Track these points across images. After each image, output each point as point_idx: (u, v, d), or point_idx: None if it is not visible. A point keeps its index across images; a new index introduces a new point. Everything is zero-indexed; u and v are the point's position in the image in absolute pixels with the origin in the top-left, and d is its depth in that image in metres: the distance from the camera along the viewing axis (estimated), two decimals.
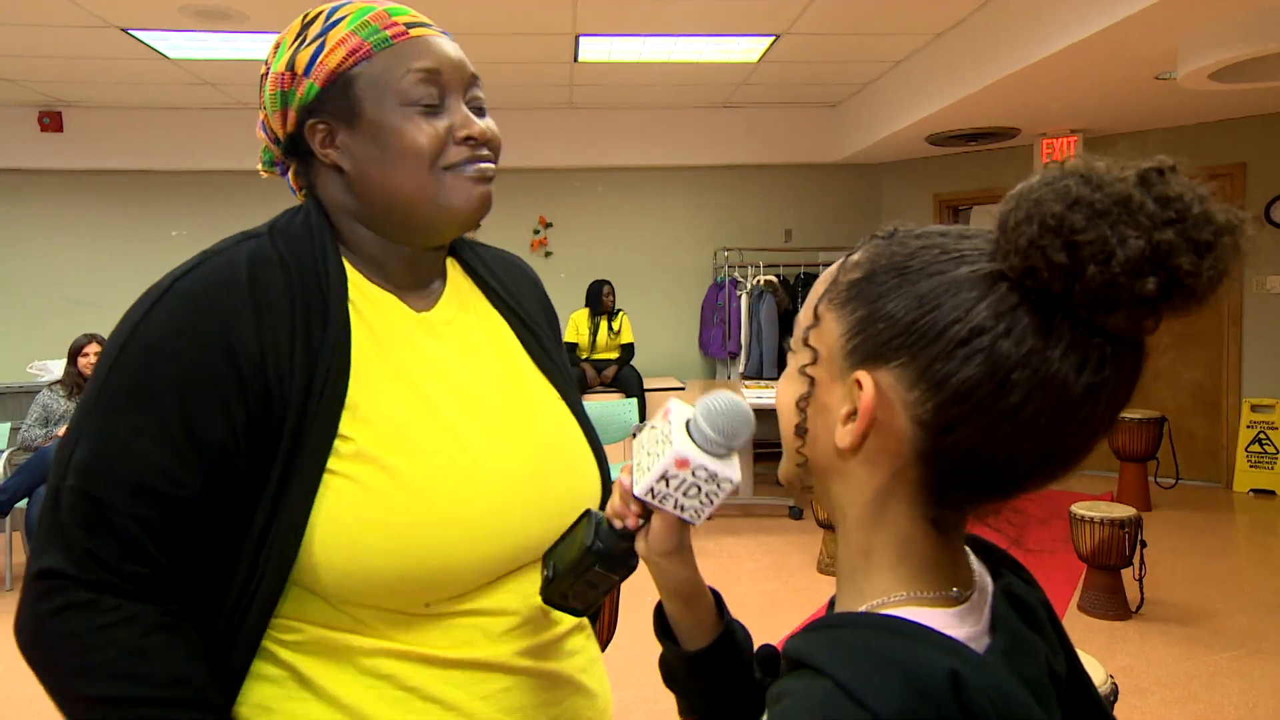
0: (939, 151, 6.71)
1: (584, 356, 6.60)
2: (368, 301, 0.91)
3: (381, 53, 0.87)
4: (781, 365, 6.74)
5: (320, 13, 0.89)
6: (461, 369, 0.94)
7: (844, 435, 0.59)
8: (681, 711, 0.87)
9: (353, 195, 0.91)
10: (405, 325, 0.92)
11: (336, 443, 0.82)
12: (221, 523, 0.81)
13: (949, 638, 0.55)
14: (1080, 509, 3.72)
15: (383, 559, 0.81)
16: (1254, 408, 6.03)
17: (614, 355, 6.55)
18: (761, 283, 6.91)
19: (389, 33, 0.87)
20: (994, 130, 5.94)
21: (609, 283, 6.69)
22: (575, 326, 6.64)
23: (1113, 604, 3.79)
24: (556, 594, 0.80)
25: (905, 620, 0.57)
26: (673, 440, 0.73)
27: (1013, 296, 0.53)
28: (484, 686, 0.87)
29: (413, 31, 0.88)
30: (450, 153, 0.88)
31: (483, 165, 0.90)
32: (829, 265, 0.69)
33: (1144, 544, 3.74)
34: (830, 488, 0.64)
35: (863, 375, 0.57)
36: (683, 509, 0.74)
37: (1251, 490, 6.01)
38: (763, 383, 6.35)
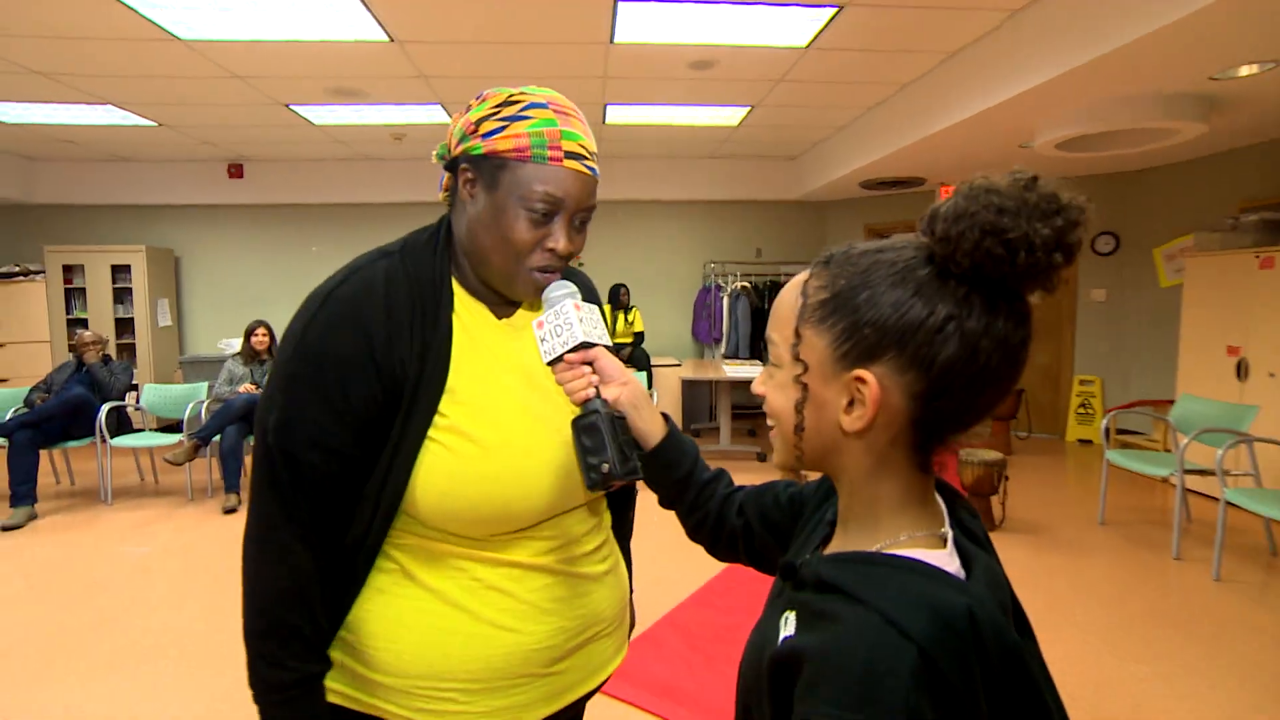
0: (869, 193, 6.62)
1: None
2: (466, 309, 0.88)
3: (535, 164, 0.80)
4: (753, 350, 6.74)
5: (521, 101, 0.82)
6: (533, 360, 0.87)
7: (852, 422, 0.55)
8: (660, 502, 0.86)
9: (465, 230, 0.86)
10: (492, 329, 0.89)
11: (436, 418, 0.81)
12: (363, 469, 0.81)
13: (957, 578, 0.53)
14: (964, 453, 3.75)
15: (463, 504, 0.81)
16: (1081, 382, 6.02)
17: (629, 340, 6.48)
18: (738, 287, 6.82)
19: (550, 154, 0.80)
20: (907, 179, 5.86)
21: (625, 285, 6.63)
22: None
23: (984, 520, 3.80)
24: (596, 476, 0.75)
25: (923, 563, 0.53)
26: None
27: (963, 288, 0.51)
28: (533, 582, 0.87)
29: (566, 163, 0.81)
30: (535, 257, 0.83)
31: (550, 275, 0.85)
32: (789, 275, 0.71)
33: (1006, 478, 3.77)
34: (834, 462, 0.59)
35: (864, 373, 0.53)
36: (566, 343, 0.78)
37: (1078, 440, 6.01)
38: (739, 361, 6.33)
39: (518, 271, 0.84)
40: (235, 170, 6.52)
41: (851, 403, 0.54)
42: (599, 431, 0.75)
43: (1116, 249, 5.73)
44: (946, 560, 0.54)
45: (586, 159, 0.83)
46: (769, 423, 0.62)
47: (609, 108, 4.95)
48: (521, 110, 0.81)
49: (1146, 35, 2.64)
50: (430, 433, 0.81)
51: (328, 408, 0.79)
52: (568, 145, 0.81)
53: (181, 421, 4.73)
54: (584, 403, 0.78)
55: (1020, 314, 0.52)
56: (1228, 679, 2.36)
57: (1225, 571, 3.21)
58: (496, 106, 0.82)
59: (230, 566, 3.27)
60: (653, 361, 6.34)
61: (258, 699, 0.82)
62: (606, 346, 0.82)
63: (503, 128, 0.81)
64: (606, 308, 6.73)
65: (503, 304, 0.91)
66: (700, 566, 3.19)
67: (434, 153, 0.91)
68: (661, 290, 7.30)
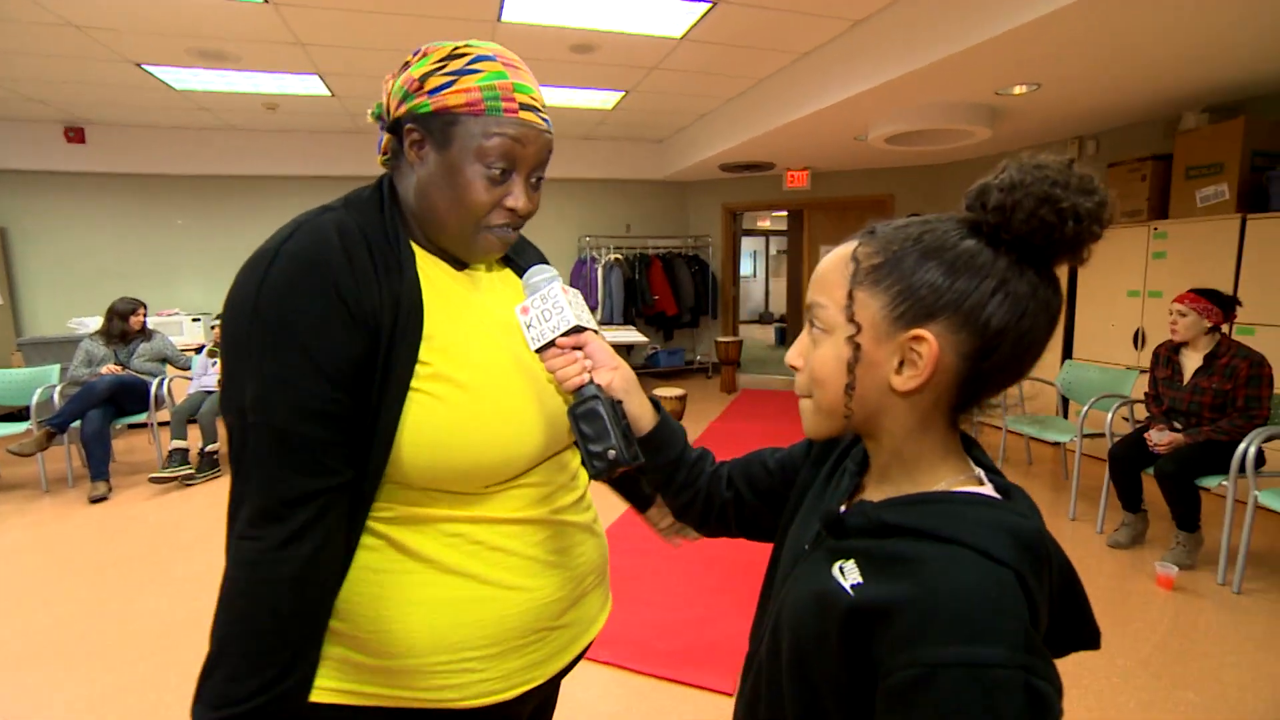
0: (726, 175, 6.78)
1: None
2: (426, 262, 0.77)
3: (490, 116, 0.71)
4: (626, 317, 6.82)
5: (467, 55, 0.72)
6: (499, 310, 0.81)
7: (905, 381, 0.52)
8: (647, 485, 0.80)
9: (413, 194, 0.76)
10: (453, 279, 0.79)
11: (417, 367, 0.70)
12: (358, 429, 0.69)
13: (1014, 504, 0.51)
14: None
15: (457, 454, 0.71)
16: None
17: None
18: (611, 260, 6.82)
19: (504, 105, 0.72)
20: (759, 164, 6.05)
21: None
22: None
23: None
24: (602, 464, 0.69)
25: (983, 494, 0.52)
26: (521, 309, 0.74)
27: (1011, 254, 0.50)
28: (532, 536, 0.78)
29: (522, 114, 0.73)
30: (493, 215, 0.75)
31: (510, 233, 0.78)
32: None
33: None
34: (876, 422, 0.56)
35: (923, 332, 0.50)
36: (556, 327, 0.71)
37: None
38: (614, 326, 6.35)
39: (475, 233, 0.76)
40: (75, 134, 5.46)
41: (902, 363, 0.52)
42: (600, 418, 0.69)
43: None
44: (992, 493, 0.53)
45: (540, 111, 0.75)
46: (802, 393, 0.58)
47: None
48: (469, 64, 0.72)
49: (953, 54, 2.95)
50: (413, 383, 0.70)
51: (310, 368, 0.66)
52: (520, 97, 0.73)
53: (26, 408, 4.01)
54: (577, 389, 0.71)
55: (1055, 282, 0.51)
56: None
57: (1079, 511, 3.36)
58: (441, 61, 0.72)
59: (113, 557, 2.94)
60: None
61: (217, 715, 0.65)
62: (594, 330, 0.76)
63: (451, 82, 0.71)
64: None
65: (457, 264, 0.81)
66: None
67: (369, 113, 0.80)
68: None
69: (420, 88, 0.72)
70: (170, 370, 4.46)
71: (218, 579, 0.67)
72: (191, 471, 4.00)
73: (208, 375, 4.36)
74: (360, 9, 3.25)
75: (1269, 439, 2.62)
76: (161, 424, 4.25)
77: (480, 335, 0.77)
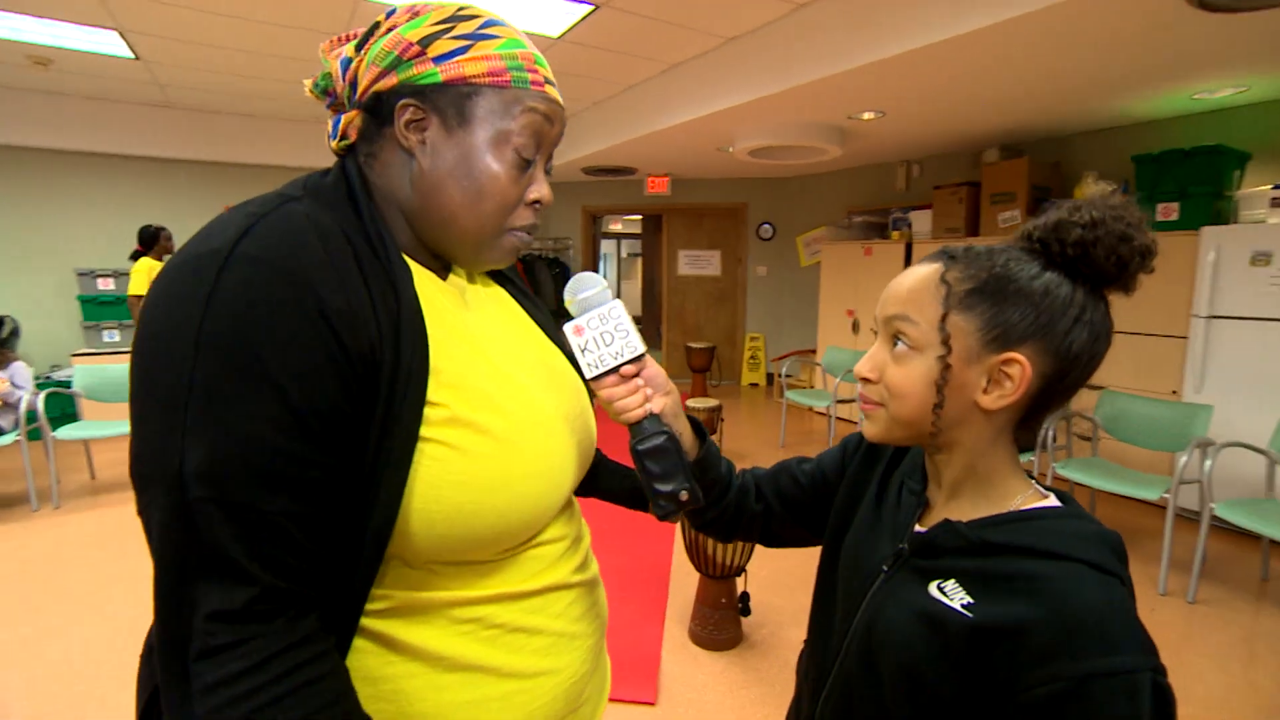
0: (589, 178, 6.79)
1: None
2: (416, 272, 0.63)
3: (515, 89, 0.61)
4: None
5: (479, 16, 0.61)
6: (497, 331, 0.69)
7: (994, 400, 0.55)
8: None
9: (411, 187, 0.61)
10: (443, 293, 0.65)
11: (426, 410, 0.55)
12: (344, 498, 0.53)
13: (1083, 512, 0.56)
14: (690, 403, 4.11)
15: (482, 518, 0.57)
16: (750, 338, 6.97)
17: None
18: None
19: (530, 76, 0.61)
20: (622, 168, 6.12)
21: None
22: None
23: None
24: (671, 505, 0.63)
25: (1065, 508, 0.56)
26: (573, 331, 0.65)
27: (1086, 286, 0.55)
28: (555, 606, 0.67)
29: (547, 88, 0.63)
30: (517, 214, 0.64)
31: (529, 236, 0.66)
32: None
33: (723, 420, 4.31)
34: (956, 435, 0.58)
35: (1018, 356, 0.54)
36: (619, 353, 0.64)
37: (750, 384, 7.00)
38: None
39: (496, 236, 0.63)
40: None
41: (990, 382, 0.55)
42: (669, 454, 0.62)
43: (774, 235, 6.82)
44: (1057, 503, 0.57)
45: (556, 87, 0.66)
46: (876, 399, 0.60)
47: None
48: (481, 28, 0.61)
49: (814, 81, 3.23)
50: (423, 431, 0.55)
51: (284, 418, 0.48)
52: (543, 71, 0.63)
53: None
54: (637, 422, 0.64)
55: (1109, 310, 0.56)
56: None
57: None
58: (445, 22, 0.60)
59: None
60: None
61: None
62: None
63: (466, 47, 0.59)
64: None
65: (441, 266, 0.68)
66: None
67: (309, 86, 0.66)
68: None
69: (421, 53, 0.59)
70: None
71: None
72: None
73: None
74: None
75: (1061, 419, 3.18)
76: None
77: (488, 363, 0.63)
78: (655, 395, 0.67)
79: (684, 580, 2.71)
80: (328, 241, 0.54)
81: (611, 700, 1.96)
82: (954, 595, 0.54)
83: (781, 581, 2.74)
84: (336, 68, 0.64)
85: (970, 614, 0.52)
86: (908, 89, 3.39)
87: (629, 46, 3.78)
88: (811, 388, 5.79)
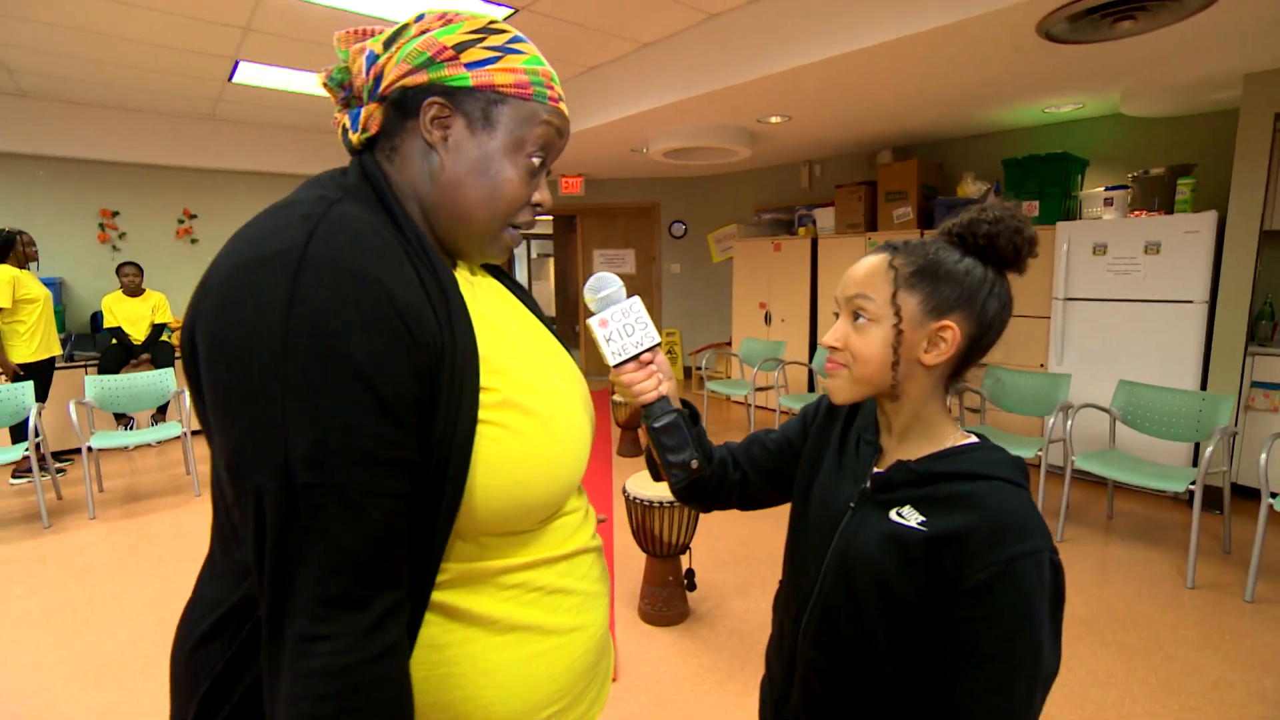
0: None
1: None
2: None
3: (535, 102, 0.67)
4: None
5: (506, 32, 0.67)
6: (509, 320, 0.73)
7: (933, 358, 0.69)
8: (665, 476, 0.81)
9: (431, 182, 0.66)
10: (465, 284, 0.69)
11: (482, 395, 0.60)
12: (422, 480, 0.58)
13: (994, 444, 0.71)
14: (616, 397, 4.06)
15: (533, 490, 0.64)
16: (667, 333, 7.13)
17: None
18: None
19: (549, 93, 0.68)
20: None
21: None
22: None
23: (633, 448, 4.44)
24: (683, 473, 0.73)
25: (988, 441, 0.71)
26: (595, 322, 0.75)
27: (993, 268, 0.69)
28: (580, 568, 0.73)
29: (561, 105, 0.70)
30: (523, 212, 0.70)
31: (522, 235, 0.72)
32: None
33: None
34: (903, 388, 0.71)
35: (949, 322, 0.68)
36: (640, 343, 0.74)
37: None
38: None
39: (500, 231, 0.69)
40: None
41: (929, 343, 0.69)
42: (680, 429, 0.72)
43: (687, 234, 7.07)
44: (976, 440, 0.72)
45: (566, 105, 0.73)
46: (841, 361, 0.72)
47: (240, 65, 4.03)
48: (511, 43, 0.66)
49: (726, 87, 3.47)
50: (481, 414, 0.60)
51: (374, 405, 0.52)
52: (558, 89, 0.70)
53: None
54: (650, 402, 0.74)
55: (1009, 287, 0.71)
56: None
57: None
58: (478, 32, 0.65)
59: None
60: None
61: None
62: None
63: (496, 58, 0.65)
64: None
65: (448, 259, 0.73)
66: None
67: (322, 77, 0.69)
68: None
69: (455, 58, 0.64)
70: None
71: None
72: None
73: None
74: None
75: (964, 390, 3.57)
76: None
77: (519, 346, 0.69)
78: (665, 380, 0.77)
79: (629, 563, 2.83)
80: (384, 240, 0.58)
81: None
82: (910, 517, 0.67)
83: (721, 559, 2.93)
84: (361, 62, 0.67)
85: (925, 529, 0.66)
86: (811, 95, 3.68)
87: (547, 50, 3.85)
88: (729, 378, 6.07)
